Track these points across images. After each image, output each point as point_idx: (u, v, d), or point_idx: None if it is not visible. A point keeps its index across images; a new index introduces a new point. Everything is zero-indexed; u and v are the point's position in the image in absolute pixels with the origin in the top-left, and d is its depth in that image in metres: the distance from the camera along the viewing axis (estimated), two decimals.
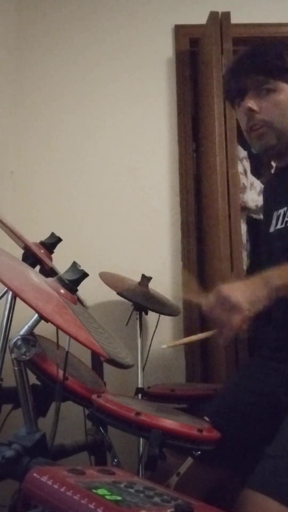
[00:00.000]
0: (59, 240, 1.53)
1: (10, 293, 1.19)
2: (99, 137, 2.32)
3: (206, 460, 1.01)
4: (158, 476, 0.95)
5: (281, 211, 1.27)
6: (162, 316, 1.93)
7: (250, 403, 1.23)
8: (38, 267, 1.38)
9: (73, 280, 0.96)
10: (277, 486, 0.95)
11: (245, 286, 1.08)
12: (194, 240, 2.23)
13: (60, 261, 1.35)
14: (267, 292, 1.07)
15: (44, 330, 0.96)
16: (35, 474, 0.59)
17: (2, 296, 1.25)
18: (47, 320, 0.79)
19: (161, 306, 1.89)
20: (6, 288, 1.15)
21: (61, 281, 0.96)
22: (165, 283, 2.17)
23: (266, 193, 1.50)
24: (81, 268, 0.97)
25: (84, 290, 1.07)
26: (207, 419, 1.11)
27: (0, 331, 1.18)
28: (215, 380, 1.98)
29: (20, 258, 1.34)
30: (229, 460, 1.20)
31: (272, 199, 1.37)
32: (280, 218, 1.27)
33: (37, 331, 0.89)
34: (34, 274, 0.99)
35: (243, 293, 1.05)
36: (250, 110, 1.25)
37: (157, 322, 1.94)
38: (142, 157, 2.30)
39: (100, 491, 0.56)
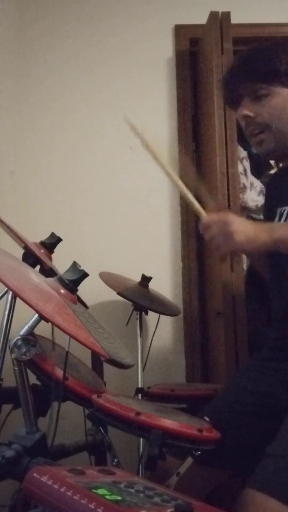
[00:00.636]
0: (59, 240, 1.53)
1: (10, 293, 1.19)
2: (99, 137, 2.32)
3: (206, 460, 1.01)
4: (158, 476, 0.95)
5: (286, 208, 1.28)
6: (162, 316, 1.93)
7: (250, 403, 1.23)
8: (38, 267, 1.38)
9: (73, 280, 0.96)
10: (278, 486, 0.95)
11: (250, 224, 1.13)
12: (194, 240, 2.23)
13: (60, 261, 1.35)
14: (267, 238, 1.10)
15: (44, 330, 0.96)
16: (35, 474, 0.59)
17: (2, 296, 1.25)
18: (47, 320, 0.79)
19: (161, 306, 1.89)
20: (6, 288, 1.15)
21: (61, 281, 0.96)
22: (165, 283, 2.17)
23: (269, 190, 1.51)
24: (81, 268, 0.97)
25: (84, 290, 1.07)
26: (207, 419, 1.11)
27: (0, 331, 1.18)
28: (215, 380, 1.98)
29: (20, 258, 1.34)
30: (229, 460, 1.20)
31: (275, 196, 1.38)
32: (284, 215, 1.28)
33: (37, 331, 0.89)
34: (34, 274, 0.99)
35: (244, 228, 1.10)
36: (246, 117, 1.27)
37: (157, 322, 1.94)
38: (142, 157, 2.29)
39: (100, 491, 0.56)
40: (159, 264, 2.19)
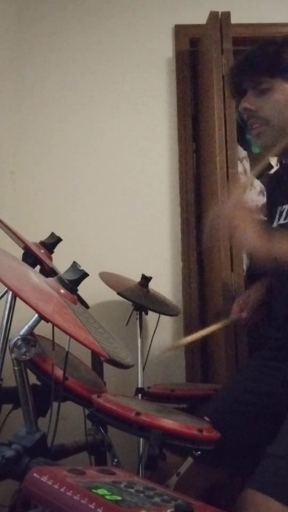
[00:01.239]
0: (59, 240, 1.53)
1: (10, 293, 1.19)
2: (99, 137, 2.32)
3: (206, 460, 1.01)
4: (158, 476, 0.95)
5: (286, 206, 1.28)
6: (162, 316, 1.93)
7: (250, 403, 1.23)
8: (38, 267, 1.38)
9: (73, 280, 0.96)
10: (278, 486, 0.95)
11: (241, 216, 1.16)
12: (194, 240, 2.23)
13: (60, 261, 1.35)
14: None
15: (44, 330, 0.96)
16: (35, 474, 0.59)
17: (2, 296, 1.25)
18: (47, 320, 0.79)
19: (161, 306, 1.89)
20: (6, 288, 1.15)
21: (61, 281, 0.96)
22: (165, 283, 2.17)
23: (270, 187, 1.51)
24: (81, 268, 0.97)
25: (84, 290, 1.07)
26: (207, 419, 1.10)
27: (0, 331, 1.18)
28: (215, 380, 1.98)
29: (20, 258, 1.34)
30: (229, 460, 1.20)
31: (276, 194, 1.38)
32: (284, 214, 1.28)
33: (37, 331, 0.89)
34: (34, 274, 0.99)
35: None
36: (246, 110, 1.27)
37: (157, 322, 1.94)
38: (142, 157, 2.30)
39: (100, 491, 0.56)
40: (159, 264, 2.19)
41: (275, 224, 1.32)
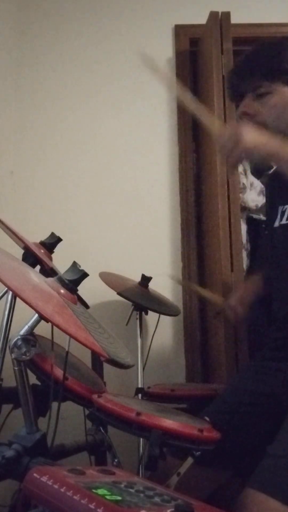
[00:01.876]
0: (59, 240, 1.53)
1: (10, 293, 1.19)
2: (99, 137, 2.32)
3: (206, 460, 1.01)
4: (158, 476, 0.95)
5: (287, 206, 1.28)
6: (162, 316, 1.93)
7: (250, 403, 1.23)
8: (38, 267, 1.38)
9: (73, 280, 0.96)
10: (278, 486, 0.95)
11: (261, 134, 1.15)
12: (194, 240, 2.23)
13: (60, 261, 1.35)
14: (274, 151, 1.13)
15: (44, 330, 0.96)
16: (35, 474, 0.59)
17: (2, 296, 1.25)
18: (47, 320, 0.79)
19: (161, 306, 1.89)
20: (6, 288, 1.15)
21: (61, 281, 0.96)
22: (165, 283, 2.17)
23: (270, 188, 1.51)
24: (81, 268, 0.97)
25: (84, 290, 1.07)
26: (207, 419, 1.11)
27: (0, 331, 1.18)
28: (215, 380, 1.98)
29: (20, 258, 1.34)
30: (229, 460, 1.20)
31: (277, 194, 1.38)
32: (286, 214, 1.28)
33: (37, 331, 0.89)
34: (34, 274, 0.99)
35: (255, 135, 1.13)
36: (245, 114, 1.27)
37: (157, 322, 1.94)
38: (142, 157, 2.30)
39: (100, 491, 0.56)
40: (159, 264, 2.19)
41: (276, 224, 1.31)
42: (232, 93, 1.37)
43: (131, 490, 0.60)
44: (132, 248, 2.21)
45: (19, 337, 0.86)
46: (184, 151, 2.30)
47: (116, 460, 1.14)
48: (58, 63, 2.37)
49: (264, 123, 1.26)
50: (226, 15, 2.07)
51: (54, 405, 0.96)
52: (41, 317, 0.83)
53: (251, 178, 2.28)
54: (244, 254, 2.13)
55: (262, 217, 2.19)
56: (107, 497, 0.55)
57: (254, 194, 2.25)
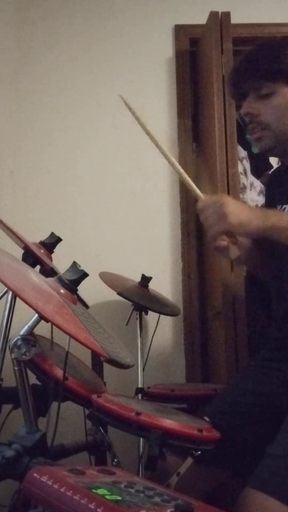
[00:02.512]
0: (59, 240, 1.53)
1: (10, 293, 1.19)
2: (99, 137, 2.32)
3: (206, 460, 1.01)
4: (158, 476, 0.95)
5: (286, 206, 1.28)
6: (162, 316, 1.93)
7: (250, 403, 1.23)
8: (38, 267, 1.38)
9: (73, 280, 0.96)
10: (278, 486, 0.95)
11: (245, 208, 1.15)
12: (194, 240, 2.23)
13: (60, 261, 1.35)
14: (260, 224, 1.11)
15: (44, 330, 0.96)
16: (35, 474, 0.59)
17: (2, 296, 1.25)
18: (47, 320, 0.79)
19: (161, 306, 1.89)
20: (6, 288, 1.15)
21: (61, 281, 0.96)
22: (165, 283, 2.17)
23: (270, 188, 1.51)
24: (81, 268, 0.97)
25: (84, 290, 1.07)
26: (207, 419, 1.11)
27: (0, 331, 1.18)
28: (215, 380, 1.98)
29: (20, 258, 1.34)
30: (229, 460, 1.20)
31: (276, 194, 1.38)
32: None
33: (37, 331, 0.89)
34: (34, 274, 0.99)
35: (239, 210, 1.11)
36: (248, 114, 1.27)
37: (157, 322, 1.94)
38: (142, 157, 2.30)
39: (100, 491, 0.56)
40: (159, 264, 2.19)
41: None
42: (233, 93, 1.37)
43: (131, 490, 0.60)
44: (132, 248, 2.21)
45: (19, 337, 0.86)
46: (184, 151, 2.30)
47: (116, 460, 1.14)
48: (58, 63, 2.37)
49: (267, 124, 1.27)
50: (226, 15, 2.07)
51: (54, 405, 0.96)
52: (41, 317, 0.83)
53: (251, 178, 2.28)
54: None
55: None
56: (107, 497, 0.55)
57: (254, 194, 2.25)
